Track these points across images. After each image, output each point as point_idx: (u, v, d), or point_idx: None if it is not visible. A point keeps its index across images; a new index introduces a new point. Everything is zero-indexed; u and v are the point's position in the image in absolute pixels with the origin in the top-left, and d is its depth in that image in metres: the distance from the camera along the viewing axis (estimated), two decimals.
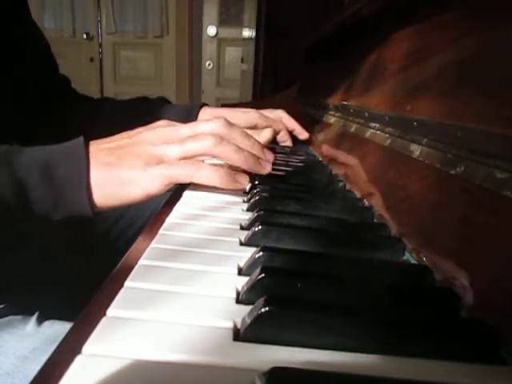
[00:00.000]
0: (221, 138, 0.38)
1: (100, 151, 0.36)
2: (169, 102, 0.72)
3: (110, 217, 0.69)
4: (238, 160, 0.39)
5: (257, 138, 0.43)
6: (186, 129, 0.39)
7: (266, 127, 0.66)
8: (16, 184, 0.33)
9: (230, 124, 0.40)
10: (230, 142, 0.38)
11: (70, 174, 0.34)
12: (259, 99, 2.04)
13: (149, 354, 0.18)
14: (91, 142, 0.37)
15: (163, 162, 0.36)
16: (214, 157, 0.39)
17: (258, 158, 0.41)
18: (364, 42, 0.64)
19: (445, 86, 0.35)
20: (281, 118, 0.72)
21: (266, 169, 0.42)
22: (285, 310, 0.19)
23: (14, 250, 0.51)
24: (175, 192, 0.44)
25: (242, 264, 0.27)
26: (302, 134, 0.73)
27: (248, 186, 0.42)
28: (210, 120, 0.40)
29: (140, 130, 0.39)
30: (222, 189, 0.39)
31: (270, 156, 0.43)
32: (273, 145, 0.69)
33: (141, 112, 0.67)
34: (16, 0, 0.57)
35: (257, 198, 0.39)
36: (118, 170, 0.35)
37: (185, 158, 0.37)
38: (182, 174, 0.36)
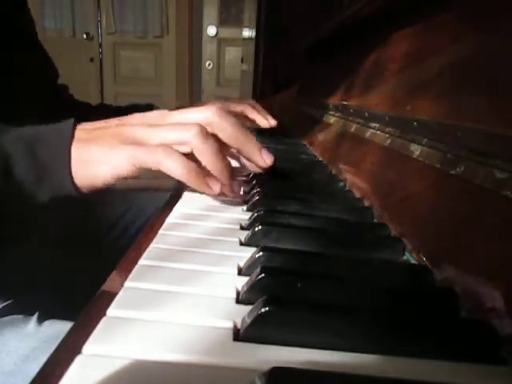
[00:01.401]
0: (207, 132, 0.35)
1: (82, 130, 0.35)
2: (153, 107, 0.74)
3: (110, 217, 0.69)
4: (212, 166, 0.35)
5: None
6: (175, 115, 0.37)
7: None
8: (1, 159, 0.32)
9: (224, 113, 0.36)
10: (214, 141, 0.35)
11: (53, 151, 0.33)
12: (259, 99, 2.04)
13: (149, 354, 0.18)
14: (82, 123, 0.36)
15: (139, 144, 0.34)
16: (192, 150, 0.35)
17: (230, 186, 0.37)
18: (364, 42, 0.64)
19: (445, 85, 0.35)
20: (249, 104, 0.70)
21: (234, 190, 0.38)
22: (285, 310, 0.19)
23: (15, 245, 0.51)
24: (175, 192, 0.44)
25: (242, 264, 0.27)
26: (271, 121, 0.70)
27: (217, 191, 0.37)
28: (204, 108, 0.37)
29: (134, 115, 0.38)
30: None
31: (267, 157, 0.39)
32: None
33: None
34: (16, 7, 0.58)
35: (257, 198, 0.39)
36: (90, 148, 0.33)
37: (164, 145, 0.34)
38: (150, 158, 0.33)
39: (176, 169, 0.33)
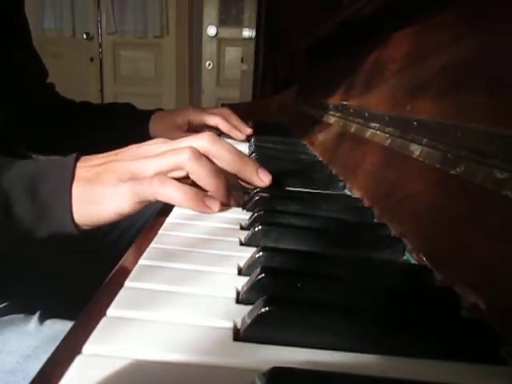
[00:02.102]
0: (200, 154, 0.35)
1: (83, 168, 0.35)
2: (134, 108, 0.77)
3: None
4: (208, 184, 0.35)
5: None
6: (171, 144, 0.37)
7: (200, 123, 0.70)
8: (1, 195, 0.32)
9: (216, 140, 0.37)
10: (208, 162, 0.35)
11: (53, 189, 0.33)
12: (259, 99, 2.04)
13: (149, 354, 0.18)
14: (82, 158, 0.36)
15: (136, 178, 0.34)
16: (188, 173, 0.35)
17: (229, 193, 0.38)
18: (364, 42, 0.64)
19: (445, 85, 0.35)
20: (221, 114, 0.73)
21: (231, 205, 0.39)
22: (285, 310, 0.19)
23: (11, 256, 0.51)
24: None
25: (241, 264, 0.27)
26: (245, 131, 0.74)
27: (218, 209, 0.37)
28: (196, 136, 0.37)
29: (131, 146, 0.38)
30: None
31: (265, 176, 0.40)
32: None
33: (108, 115, 0.71)
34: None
35: (257, 198, 0.39)
36: (91, 187, 0.34)
37: (160, 174, 0.34)
38: (147, 191, 0.33)
39: (173, 195, 0.33)
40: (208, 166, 0.35)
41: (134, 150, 0.37)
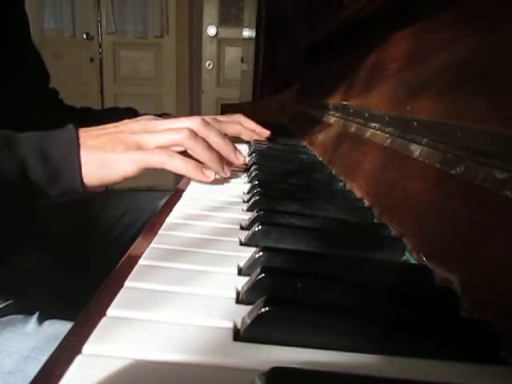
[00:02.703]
0: (196, 134, 0.42)
1: (87, 137, 0.40)
2: (136, 112, 0.79)
3: (110, 217, 0.69)
4: (204, 157, 0.43)
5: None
6: (166, 122, 0.44)
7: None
8: (17, 166, 0.37)
9: (206, 123, 0.45)
10: (202, 140, 0.43)
11: (63, 156, 0.38)
12: (259, 99, 2.04)
13: (149, 354, 0.18)
14: (81, 129, 0.41)
15: (141, 149, 0.40)
16: (185, 149, 0.43)
17: (225, 159, 0.47)
18: (364, 42, 0.64)
19: (445, 85, 0.35)
20: (238, 122, 0.73)
21: (226, 174, 0.47)
22: (285, 310, 0.19)
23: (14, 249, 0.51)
24: (175, 192, 0.44)
25: (242, 264, 0.27)
26: (264, 133, 0.75)
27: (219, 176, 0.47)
28: (190, 118, 0.45)
29: (126, 121, 0.44)
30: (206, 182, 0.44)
31: (240, 157, 0.49)
32: None
33: (110, 121, 0.71)
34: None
35: (257, 198, 0.39)
36: (101, 153, 0.39)
37: (160, 148, 0.41)
38: (156, 160, 0.40)
39: (179, 166, 0.41)
40: (202, 143, 0.43)
41: (131, 124, 0.44)
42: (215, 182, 0.45)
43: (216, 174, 0.45)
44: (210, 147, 0.44)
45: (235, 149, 0.49)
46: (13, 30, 0.58)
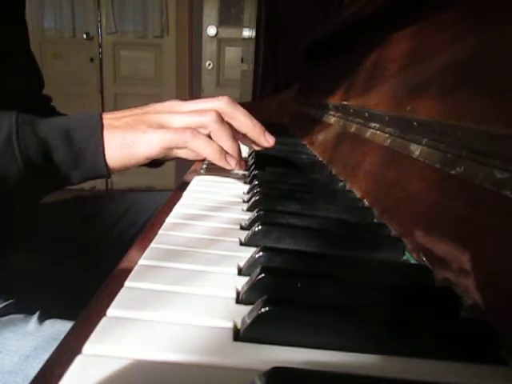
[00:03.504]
0: (222, 118, 0.41)
1: (111, 118, 0.40)
2: None
3: (110, 217, 0.69)
4: (226, 145, 0.41)
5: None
6: (191, 104, 0.43)
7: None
8: (40, 146, 0.36)
9: (233, 103, 0.43)
10: (228, 127, 0.41)
11: (87, 137, 0.38)
12: (259, 99, 2.04)
13: (149, 354, 0.18)
14: (106, 112, 0.40)
15: (165, 128, 0.39)
16: (210, 133, 0.41)
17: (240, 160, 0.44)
18: (364, 42, 0.64)
19: (445, 85, 0.35)
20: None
21: (242, 167, 0.45)
22: (285, 310, 0.19)
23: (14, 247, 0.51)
24: (175, 192, 0.44)
25: (242, 264, 0.27)
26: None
27: (238, 171, 0.46)
28: (216, 98, 0.43)
29: (153, 104, 0.43)
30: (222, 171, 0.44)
31: (270, 138, 0.46)
32: None
33: None
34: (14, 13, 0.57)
35: (257, 198, 0.39)
36: (123, 133, 0.38)
37: (187, 128, 0.39)
38: (180, 139, 0.38)
39: (203, 147, 0.39)
40: (228, 130, 0.41)
41: (157, 106, 0.42)
42: (229, 172, 0.44)
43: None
44: (233, 136, 0.42)
45: (264, 131, 0.46)
46: (13, 38, 0.58)
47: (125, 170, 0.40)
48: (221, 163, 0.41)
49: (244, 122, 0.43)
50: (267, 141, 0.46)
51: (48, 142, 0.36)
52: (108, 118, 0.39)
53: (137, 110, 0.42)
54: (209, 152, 0.40)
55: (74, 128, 0.38)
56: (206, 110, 0.41)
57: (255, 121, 0.44)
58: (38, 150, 0.36)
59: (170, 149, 0.39)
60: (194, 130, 0.39)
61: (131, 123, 0.39)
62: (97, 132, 0.38)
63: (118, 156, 0.38)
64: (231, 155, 0.42)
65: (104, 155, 0.38)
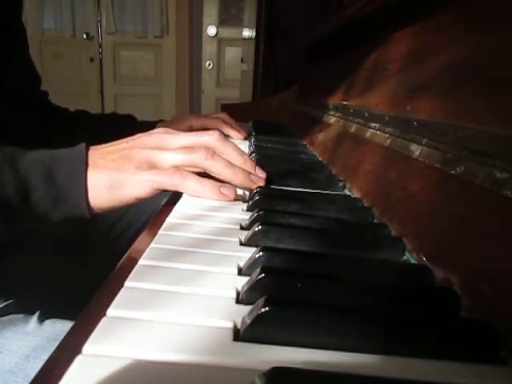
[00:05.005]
0: (213, 152, 0.39)
1: (96, 155, 0.37)
2: (135, 119, 0.79)
3: (110, 217, 0.69)
4: (228, 175, 0.40)
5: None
6: (181, 138, 0.41)
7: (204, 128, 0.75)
8: (18, 183, 0.34)
9: (223, 138, 0.41)
10: (221, 157, 0.40)
11: (70, 176, 0.36)
12: (259, 99, 2.04)
13: (149, 354, 0.18)
14: (91, 147, 0.38)
15: (154, 167, 0.37)
16: (204, 170, 0.40)
17: (249, 173, 0.42)
18: (364, 42, 0.64)
19: (445, 86, 0.35)
20: (223, 119, 0.81)
21: (257, 185, 0.42)
22: (285, 309, 0.19)
23: (14, 249, 0.51)
24: (175, 192, 0.44)
25: (242, 264, 0.27)
26: (241, 131, 0.83)
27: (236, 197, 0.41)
28: (206, 133, 0.41)
29: (138, 135, 0.41)
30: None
31: (261, 173, 0.43)
32: None
33: (110, 126, 0.71)
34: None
35: (257, 197, 0.39)
36: (110, 173, 0.36)
37: (175, 167, 0.38)
38: (169, 182, 0.37)
39: (194, 188, 0.38)
40: (222, 161, 0.40)
41: (144, 138, 0.40)
42: (238, 197, 0.41)
43: (240, 189, 0.42)
44: (230, 163, 0.40)
45: (256, 166, 0.44)
46: (14, 43, 0.58)
47: (113, 209, 0.39)
48: (217, 197, 0.39)
49: (235, 157, 0.42)
50: (258, 176, 0.43)
51: (28, 179, 0.35)
52: (94, 155, 0.37)
53: (123, 145, 0.39)
54: (201, 191, 0.38)
55: (56, 164, 0.36)
56: (197, 146, 0.39)
57: (246, 156, 0.43)
58: (16, 188, 0.34)
59: (160, 189, 0.38)
60: (184, 171, 0.38)
61: (119, 161, 0.37)
62: (80, 171, 0.36)
63: (104, 196, 0.37)
64: (227, 186, 0.40)
65: (87, 196, 0.36)
